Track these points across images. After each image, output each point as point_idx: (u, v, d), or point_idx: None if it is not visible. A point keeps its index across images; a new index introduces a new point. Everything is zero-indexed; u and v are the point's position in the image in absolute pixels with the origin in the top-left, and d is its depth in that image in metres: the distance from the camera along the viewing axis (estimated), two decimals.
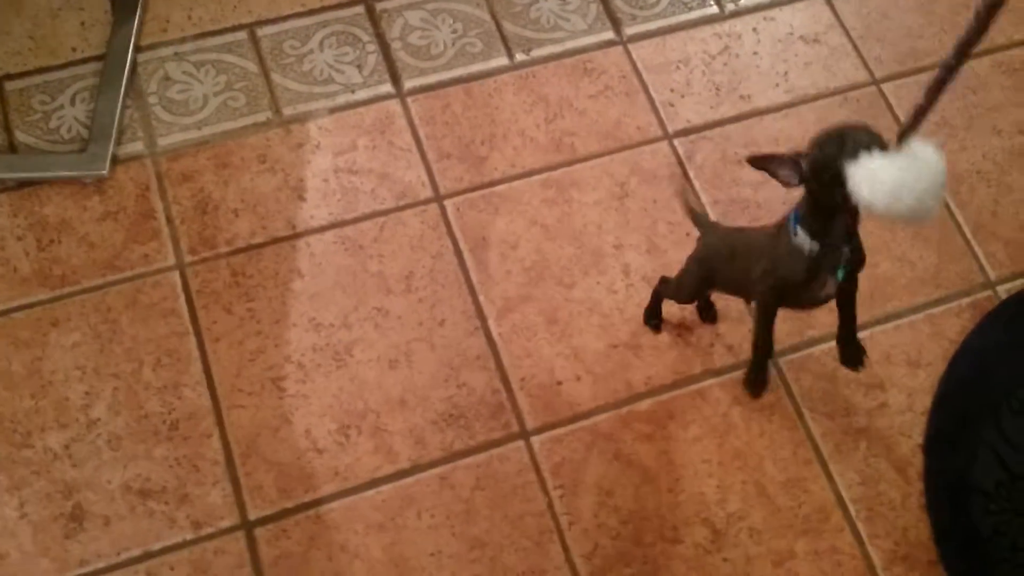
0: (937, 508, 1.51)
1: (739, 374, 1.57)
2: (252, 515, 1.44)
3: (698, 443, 1.55)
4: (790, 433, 1.56)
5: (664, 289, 1.54)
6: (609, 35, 1.90)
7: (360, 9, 1.86)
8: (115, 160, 1.65)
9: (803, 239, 1.18)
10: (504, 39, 1.86)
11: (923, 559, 1.49)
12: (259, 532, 1.43)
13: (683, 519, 1.49)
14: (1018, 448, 1.54)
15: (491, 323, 1.61)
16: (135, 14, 1.73)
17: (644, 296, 1.62)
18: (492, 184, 1.72)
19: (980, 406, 1.56)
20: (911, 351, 1.63)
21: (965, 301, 1.69)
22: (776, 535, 1.49)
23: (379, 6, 1.86)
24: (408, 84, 1.80)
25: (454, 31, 1.86)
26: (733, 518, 1.50)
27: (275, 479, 1.47)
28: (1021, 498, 1.50)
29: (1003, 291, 1.71)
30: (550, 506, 1.49)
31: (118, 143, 1.66)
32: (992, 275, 1.72)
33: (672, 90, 1.85)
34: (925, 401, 1.58)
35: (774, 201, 1.72)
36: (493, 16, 1.88)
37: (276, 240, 1.64)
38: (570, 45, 1.87)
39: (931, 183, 1.03)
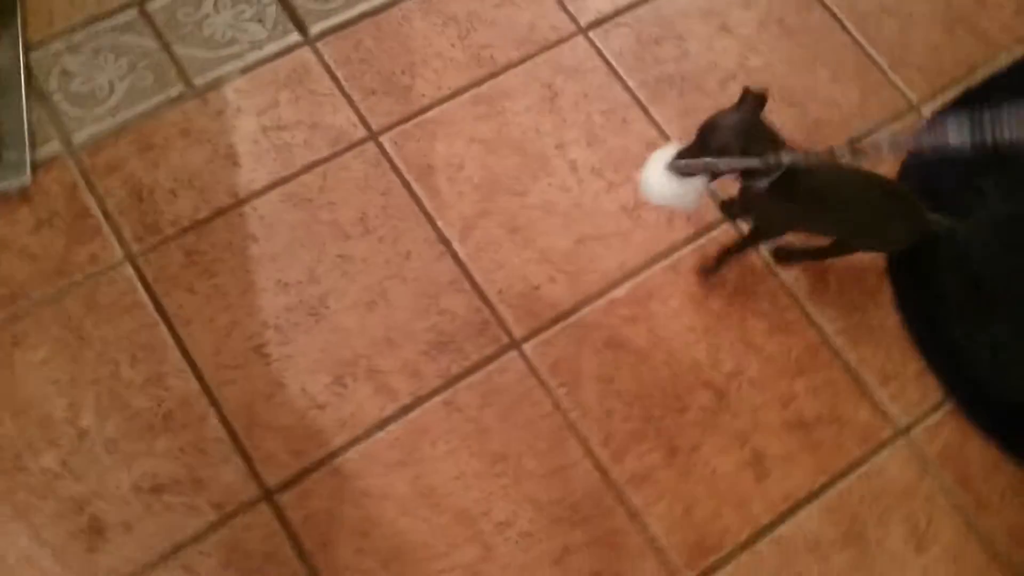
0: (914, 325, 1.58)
1: (704, 241, 1.61)
2: (271, 483, 1.43)
3: (681, 314, 1.58)
4: (765, 286, 1.61)
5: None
6: None
7: None
8: (34, 166, 1.58)
9: None
10: None
11: (910, 372, 1.57)
12: (282, 499, 1.42)
13: (685, 388, 1.53)
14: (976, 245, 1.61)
15: (456, 245, 1.61)
16: (15, 13, 1.64)
17: (595, 189, 1.65)
18: (423, 111, 1.71)
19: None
20: None
21: (897, 124, 1.75)
22: (774, 381, 1.54)
23: None
24: (315, 29, 1.76)
25: None
26: (731, 376, 1.54)
27: (284, 443, 1.45)
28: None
29: (927, 111, 1.78)
30: (557, 405, 1.51)
31: (33, 148, 1.59)
32: (914, 98, 1.78)
33: None
34: None
35: (697, 72, 1.75)
36: None
37: (221, 211, 1.60)
38: None
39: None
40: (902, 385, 1.56)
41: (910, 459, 1.52)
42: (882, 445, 1.51)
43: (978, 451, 1.53)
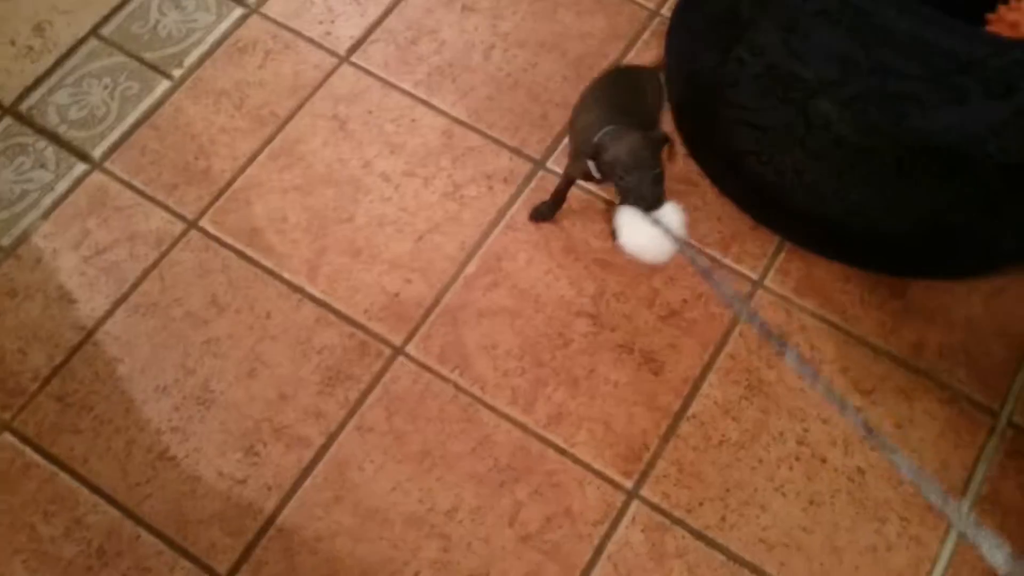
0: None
1: (526, 194, 1.72)
2: (223, 570, 1.45)
3: (533, 264, 1.68)
4: (594, 207, 1.72)
5: None
6: (239, 11, 1.95)
7: (8, 121, 1.82)
8: None
9: None
10: (152, 67, 1.88)
11: (744, 231, 1.71)
12: None
13: (562, 324, 1.63)
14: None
15: (309, 288, 1.66)
16: None
17: (413, 189, 1.73)
18: (229, 184, 1.76)
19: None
20: None
21: (646, 35, 1.90)
22: (635, 287, 1.65)
23: (23, 106, 1.83)
24: (97, 153, 1.79)
25: (106, 87, 1.86)
26: (596, 297, 1.65)
27: (221, 529, 1.47)
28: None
29: (666, 11, 1.93)
30: (457, 387, 1.58)
31: None
32: (652, 5, 1.94)
33: (320, 22, 1.94)
34: None
35: (459, 54, 1.87)
36: (130, 55, 1.89)
37: (75, 349, 1.61)
38: (213, 38, 1.92)
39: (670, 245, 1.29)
40: (741, 245, 1.69)
41: (774, 303, 1.64)
42: (745, 309, 1.64)
43: (825, 272, 1.67)
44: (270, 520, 1.48)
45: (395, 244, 1.69)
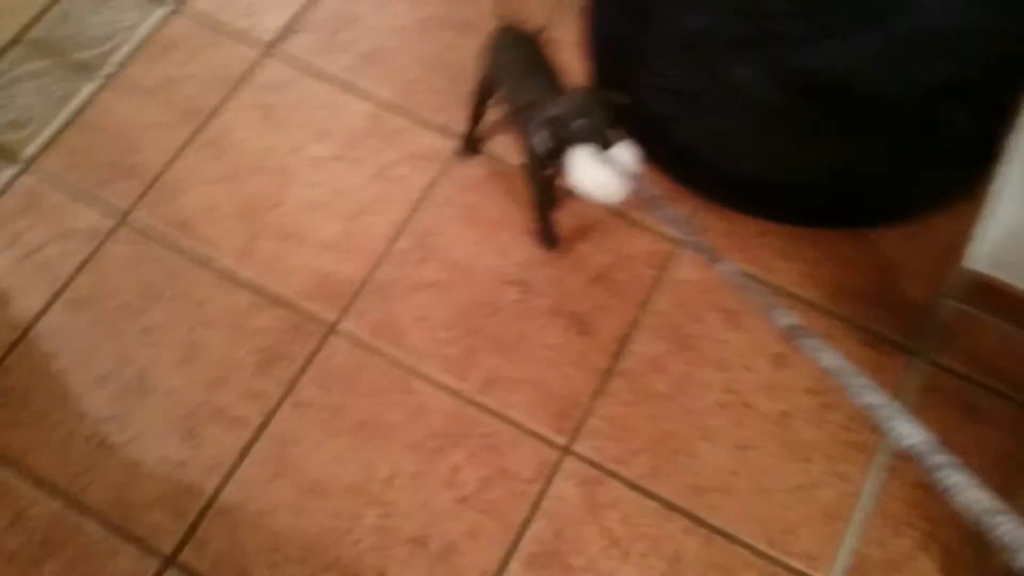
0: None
1: (443, 167, 1.75)
2: (167, 550, 1.47)
3: (460, 237, 1.72)
4: (512, 181, 1.76)
5: None
6: (164, 9, 1.98)
7: None
8: None
9: None
10: (80, 67, 1.90)
11: (665, 190, 1.75)
12: (184, 557, 1.46)
13: (491, 293, 1.67)
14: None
15: (241, 274, 1.69)
16: None
17: (341, 172, 1.77)
18: (158, 177, 1.78)
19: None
20: None
21: (562, 10, 1.95)
22: (561, 254, 1.69)
23: None
24: (25, 154, 1.81)
25: (34, 89, 1.87)
26: (524, 265, 1.69)
27: (164, 511, 1.49)
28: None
29: None
30: (391, 361, 1.61)
31: None
32: None
33: (244, 15, 1.97)
34: None
35: (382, 37, 1.90)
36: (57, 56, 1.91)
37: (12, 346, 1.63)
38: (139, 36, 1.94)
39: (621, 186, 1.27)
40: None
41: (696, 260, 1.69)
42: (668, 259, 1.68)
43: (745, 228, 1.72)
44: (212, 499, 1.50)
45: (325, 226, 1.73)
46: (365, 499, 1.49)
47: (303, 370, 1.59)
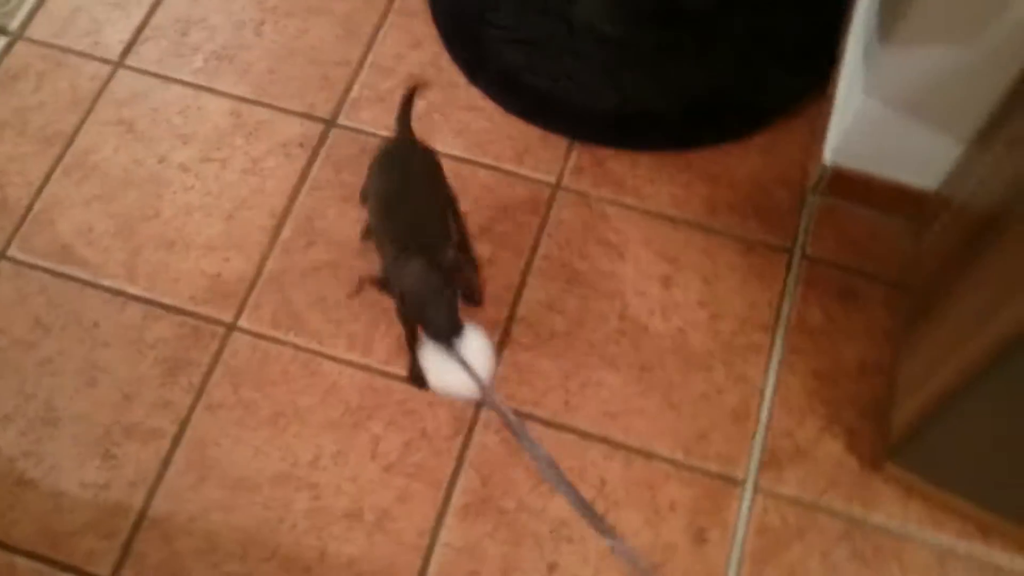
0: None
1: (327, 149, 1.77)
2: (104, 572, 1.47)
3: (342, 215, 1.74)
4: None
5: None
6: (2, 40, 1.93)
7: None
8: None
9: None
10: None
11: (532, 140, 1.80)
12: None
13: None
14: None
15: (130, 289, 1.68)
16: None
17: (213, 173, 1.77)
18: (29, 209, 1.76)
19: None
20: None
21: None
22: None
23: None
24: None
25: None
26: None
27: (95, 536, 1.49)
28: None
29: None
30: (295, 347, 1.63)
31: None
32: None
33: (87, 33, 1.94)
34: None
35: (231, 35, 1.89)
36: None
37: None
38: None
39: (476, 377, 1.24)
40: (534, 155, 1.79)
41: (575, 201, 1.75)
42: (549, 206, 1.74)
43: (615, 162, 1.79)
44: (141, 514, 1.51)
45: (206, 228, 1.73)
46: (293, 485, 1.52)
47: (209, 372, 1.60)
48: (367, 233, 1.55)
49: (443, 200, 1.52)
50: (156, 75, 1.88)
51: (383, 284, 1.34)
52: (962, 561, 1.46)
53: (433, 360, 1.27)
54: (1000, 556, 1.47)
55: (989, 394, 1.23)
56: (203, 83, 1.87)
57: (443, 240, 1.39)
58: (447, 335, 1.23)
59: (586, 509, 1.13)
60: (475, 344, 1.25)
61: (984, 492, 1.44)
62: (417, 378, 1.52)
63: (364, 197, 1.53)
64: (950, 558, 1.46)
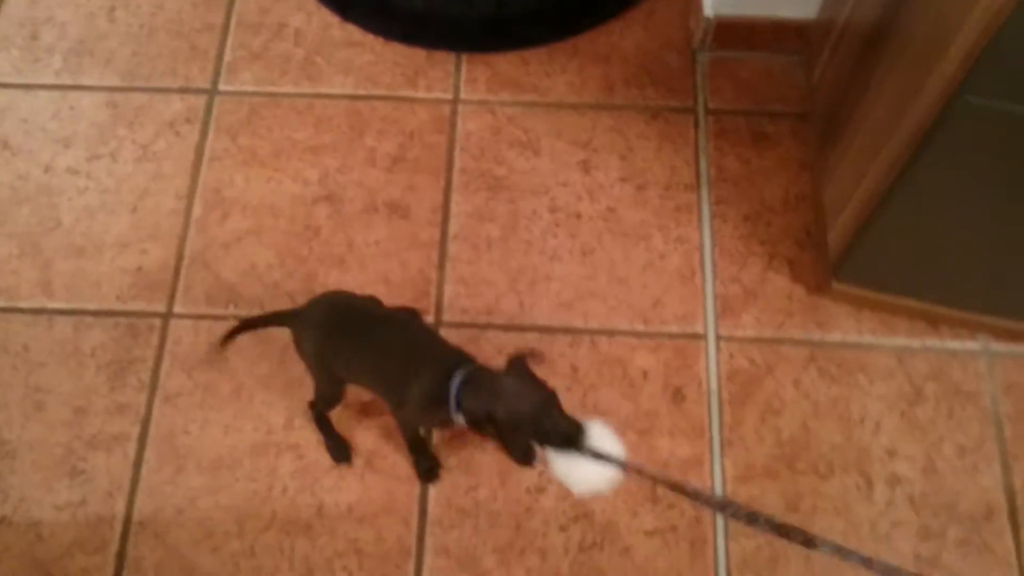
0: None
1: (215, 118, 1.71)
2: None
3: (250, 180, 1.70)
4: (265, 108, 1.74)
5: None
6: None
7: None
8: None
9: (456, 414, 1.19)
10: None
11: (420, 63, 1.78)
12: None
13: (305, 217, 1.66)
14: None
15: (51, 305, 1.62)
16: None
17: (101, 170, 1.72)
18: None
19: None
20: None
21: None
22: (351, 155, 1.70)
23: None
24: None
25: None
26: (324, 180, 1.68)
27: (84, 554, 1.45)
28: None
29: None
30: (237, 319, 1.59)
31: None
32: None
33: None
34: None
35: (87, 33, 1.80)
36: None
37: None
38: None
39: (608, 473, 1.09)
40: (425, 75, 1.78)
41: (477, 110, 1.74)
42: (454, 122, 1.73)
43: (506, 65, 1.80)
44: (127, 520, 1.47)
45: (113, 226, 1.67)
46: (274, 451, 1.50)
47: (157, 366, 1.56)
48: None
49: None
50: (16, 85, 1.79)
51: (428, 412, 1.23)
52: (919, 355, 1.53)
53: (571, 467, 1.09)
54: (952, 342, 1.54)
55: (913, 188, 1.28)
56: (68, 82, 1.79)
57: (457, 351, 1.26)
58: (579, 434, 1.08)
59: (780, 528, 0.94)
60: (596, 430, 1.09)
61: (926, 287, 1.51)
62: (429, 471, 1.46)
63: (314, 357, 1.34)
64: (907, 356, 1.54)
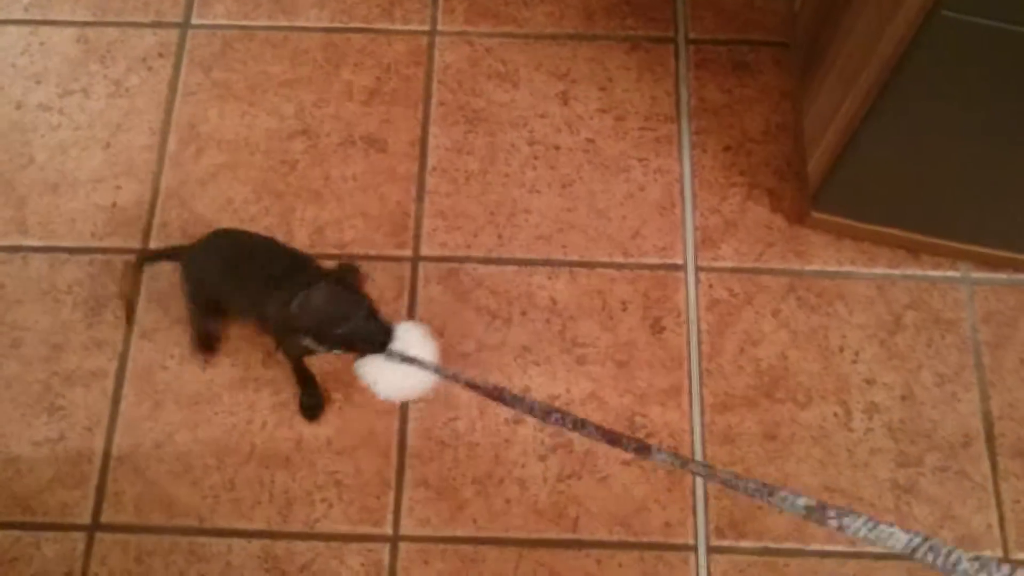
0: None
1: (188, 52, 1.68)
2: (85, 520, 1.43)
3: (225, 115, 1.67)
4: (239, 42, 1.71)
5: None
6: None
7: None
8: None
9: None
10: None
11: None
12: (104, 518, 1.43)
13: (281, 152, 1.64)
14: None
15: (26, 242, 1.60)
16: None
17: (73, 106, 1.69)
18: None
19: None
20: None
21: None
22: (327, 89, 1.67)
23: None
24: None
25: None
26: (301, 114, 1.66)
27: (64, 488, 1.45)
28: None
29: None
30: None
31: None
32: None
33: None
34: None
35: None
36: None
37: None
38: None
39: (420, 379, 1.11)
40: (401, 7, 1.75)
41: (455, 42, 1.72)
42: (431, 54, 1.71)
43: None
44: (106, 455, 1.47)
45: (87, 162, 1.65)
46: (252, 386, 1.50)
47: (135, 307, 1.55)
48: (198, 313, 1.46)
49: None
50: None
51: (272, 330, 1.27)
52: (898, 284, 1.53)
53: (381, 371, 1.12)
54: (932, 272, 1.54)
55: (892, 112, 1.27)
56: (38, 17, 1.76)
57: (316, 266, 1.30)
58: (386, 338, 1.11)
59: (610, 436, 0.96)
60: (411, 335, 1.13)
61: (907, 215, 1.50)
62: (310, 408, 1.47)
63: (194, 286, 1.40)
64: (887, 284, 1.53)
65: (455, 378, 1.06)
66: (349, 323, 1.12)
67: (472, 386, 1.03)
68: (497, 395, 1.00)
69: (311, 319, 1.14)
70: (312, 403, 1.46)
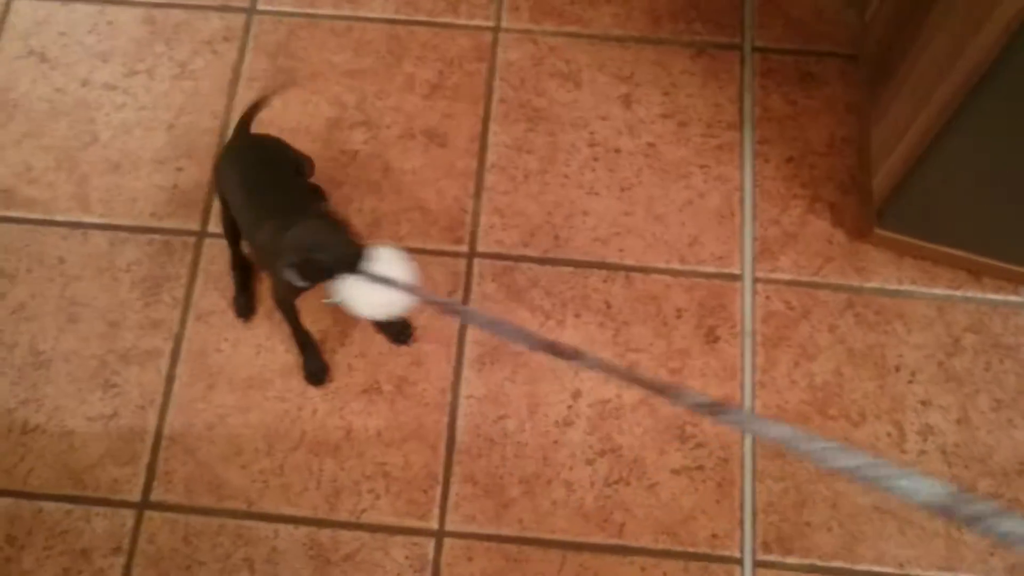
0: None
1: (254, 37, 1.69)
2: (135, 497, 1.44)
3: (288, 104, 1.68)
4: (304, 29, 1.71)
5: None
6: None
7: None
8: None
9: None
10: None
11: None
12: (154, 496, 1.44)
13: (340, 141, 1.64)
14: None
15: (87, 219, 1.61)
16: None
17: (142, 85, 1.69)
18: None
19: None
20: None
21: None
22: (390, 81, 1.67)
23: None
24: None
25: None
26: (362, 105, 1.66)
27: (116, 464, 1.46)
28: None
29: None
30: None
31: None
32: None
33: None
34: None
35: None
36: None
37: None
38: None
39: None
40: (467, 3, 1.76)
41: (519, 39, 1.71)
42: (494, 50, 1.71)
43: None
44: (158, 434, 1.48)
45: (150, 143, 1.66)
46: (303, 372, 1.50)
47: (191, 283, 1.56)
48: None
49: (297, 167, 1.44)
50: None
51: (267, 262, 1.29)
52: (959, 306, 1.51)
53: (359, 293, 1.15)
54: (994, 295, 1.51)
55: (966, 131, 1.25)
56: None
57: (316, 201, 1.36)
58: (359, 258, 1.13)
59: (551, 347, 0.96)
60: (385, 256, 1.15)
61: (971, 236, 1.48)
62: (314, 374, 1.49)
63: (220, 196, 1.44)
64: (948, 306, 1.51)
65: (430, 300, 1.15)
66: (332, 247, 1.14)
67: (441, 305, 1.15)
68: (452, 310, 1.15)
69: (300, 249, 1.15)
70: (315, 368, 1.48)
